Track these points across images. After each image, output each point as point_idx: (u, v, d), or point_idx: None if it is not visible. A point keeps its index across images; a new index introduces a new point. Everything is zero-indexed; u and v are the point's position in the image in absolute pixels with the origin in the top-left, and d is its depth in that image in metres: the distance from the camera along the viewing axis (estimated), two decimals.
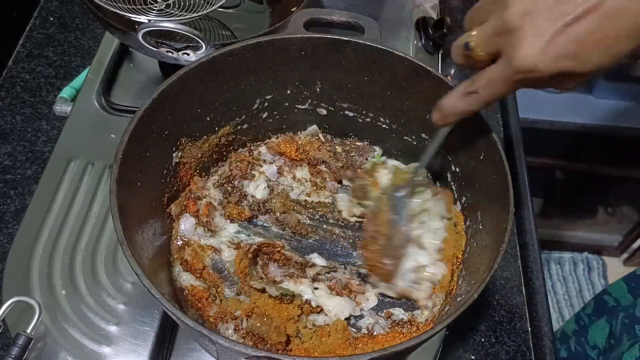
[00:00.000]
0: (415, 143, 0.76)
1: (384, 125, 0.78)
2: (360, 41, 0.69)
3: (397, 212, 0.70)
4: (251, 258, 0.69)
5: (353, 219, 0.76)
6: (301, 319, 0.66)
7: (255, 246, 0.70)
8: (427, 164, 0.67)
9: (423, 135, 0.75)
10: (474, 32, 0.50)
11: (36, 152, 0.86)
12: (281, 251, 0.70)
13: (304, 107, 0.78)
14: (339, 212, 0.77)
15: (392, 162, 0.80)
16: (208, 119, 0.72)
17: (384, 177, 0.77)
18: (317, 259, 0.71)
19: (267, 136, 0.81)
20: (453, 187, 0.73)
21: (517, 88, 0.49)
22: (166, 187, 0.70)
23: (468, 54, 0.51)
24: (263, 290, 0.67)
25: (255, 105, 0.76)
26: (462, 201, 0.71)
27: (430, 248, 0.71)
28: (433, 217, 0.73)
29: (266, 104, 0.76)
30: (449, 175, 0.73)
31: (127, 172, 0.57)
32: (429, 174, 0.77)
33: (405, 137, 0.77)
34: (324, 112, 0.79)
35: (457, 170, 0.71)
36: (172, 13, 0.85)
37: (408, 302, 0.70)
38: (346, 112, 0.79)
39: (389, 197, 0.71)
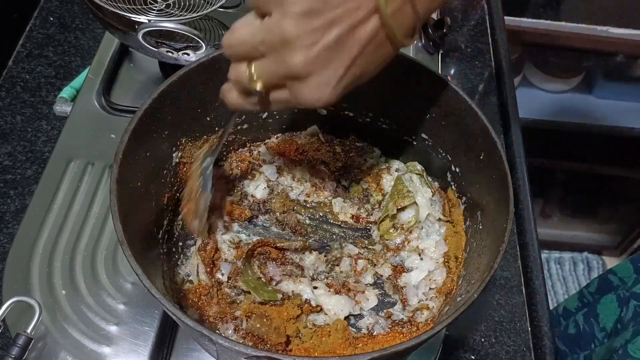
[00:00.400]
0: (415, 143, 0.76)
1: (384, 125, 0.78)
2: None
3: (205, 181, 0.68)
4: (245, 258, 0.69)
5: (351, 220, 0.76)
6: (301, 318, 0.66)
7: (249, 246, 0.70)
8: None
9: (423, 135, 0.75)
10: (254, 75, 0.48)
11: (36, 152, 0.86)
12: (277, 245, 0.70)
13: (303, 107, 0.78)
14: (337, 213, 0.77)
15: (395, 165, 0.80)
16: (208, 119, 0.72)
17: (387, 184, 0.77)
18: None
19: (267, 136, 0.81)
20: (453, 187, 0.73)
21: None
22: (166, 187, 0.70)
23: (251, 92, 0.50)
24: (250, 292, 0.67)
25: None
26: (462, 201, 0.71)
27: (432, 254, 0.71)
28: (431, 222, 0.73)
29: None
30: (449, 175, 0.73)
31: (127, 172, 0.57)
32: (426, 174, 0.77)
33: (405, 137, 0.77)
34: (324, 112, 0.79)
35: (457, 170, 0.71)
36: (172, 13, 0.85)
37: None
38: (346, 112, 0.79)
39: (201, 168, 0.69)
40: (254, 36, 0.46)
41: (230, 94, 0.54)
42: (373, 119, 0.78)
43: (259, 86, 0.48)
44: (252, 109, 0.53)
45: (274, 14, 0.44)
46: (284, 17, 0.43)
